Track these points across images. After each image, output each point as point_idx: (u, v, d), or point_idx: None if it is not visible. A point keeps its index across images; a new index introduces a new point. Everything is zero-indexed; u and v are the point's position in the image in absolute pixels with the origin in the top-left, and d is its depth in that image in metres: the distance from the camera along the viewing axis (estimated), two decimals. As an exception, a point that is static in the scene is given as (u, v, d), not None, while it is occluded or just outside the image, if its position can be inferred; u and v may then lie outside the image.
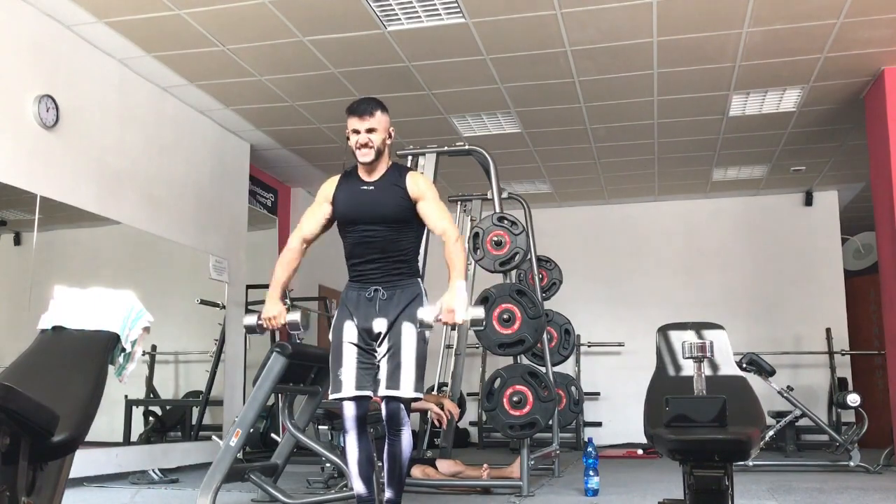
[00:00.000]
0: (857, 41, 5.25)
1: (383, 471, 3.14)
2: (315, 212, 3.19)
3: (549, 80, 5.85)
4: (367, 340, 3.06)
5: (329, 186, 3.19)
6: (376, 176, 3.11)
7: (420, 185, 3.08)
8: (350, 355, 3.03)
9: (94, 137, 5.25)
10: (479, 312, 2.98)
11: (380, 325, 3.04)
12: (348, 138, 3.07)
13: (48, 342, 2.25)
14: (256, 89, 6.00)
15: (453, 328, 2.96)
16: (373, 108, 3.02)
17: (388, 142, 3.12)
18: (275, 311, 3.06)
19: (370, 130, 3.01)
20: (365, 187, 3.09)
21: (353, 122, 3.03)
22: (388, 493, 3.05)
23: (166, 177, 6.00)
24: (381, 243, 3.06)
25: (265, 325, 3.09)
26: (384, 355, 3.02)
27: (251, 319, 3.13)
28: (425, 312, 2.93)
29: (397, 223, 3.07)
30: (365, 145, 3.02)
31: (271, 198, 8.18)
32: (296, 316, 3.08)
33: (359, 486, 3.06)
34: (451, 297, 2.88)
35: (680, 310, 8.22)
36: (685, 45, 5.29)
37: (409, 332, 3.01)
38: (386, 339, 3.03)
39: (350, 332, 3.06)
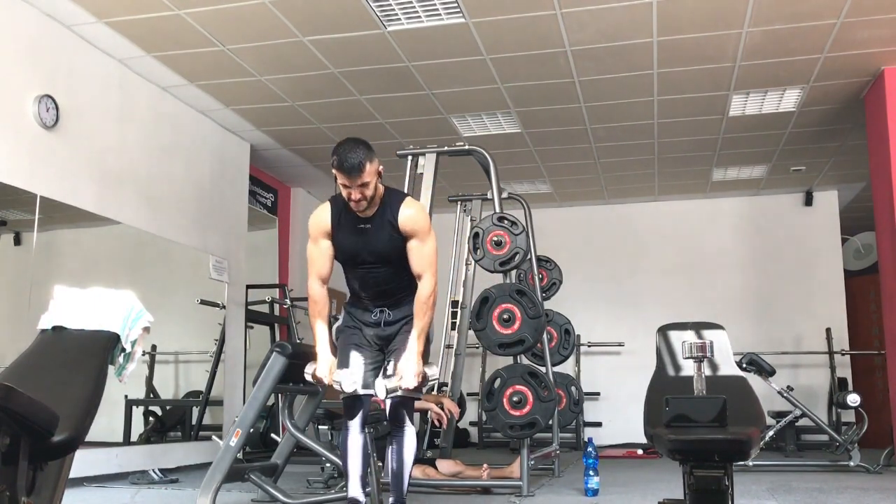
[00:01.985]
0: (857, 41, 5.25)
1: (383, 471, 3.14)
2: (319, 251, 3.12)
3: (549, 80, 5.84)
4: (372, 344, 3.16)
5: (323, 218, 3.10)
6: (371, 212, 3.05)
7: (411, 223, 3.03)
8: (354, 355, 3.11)
9: (94, 137, 5.25)
10: (432, 371, 3.11)
11: (384, 334, 3.15)
12: (336, 180, 2.97)
13: (48, 342, 2.25)
14: (256, 89, 6.00)
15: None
16: (360, 162, 2.88)
17: (379, 181, 3.04)
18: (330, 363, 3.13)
19: (362, 185, 2.92)
20: (362, 225, 3.06)
21: (342, 179, 2.92)
22: (392, 496, 3.07)
23: (166, 177, 6.00)
24: (384, 279, 3.10)
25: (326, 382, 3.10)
26: (388, 354, 3.14)
27: (347, 384, 3.09)
28: (386, 383, 2.98)
29: (397, 260, 3.07)
30: (358, 200, 2.96)
31: (271, 198, 8.18)
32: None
33: (354, 489, 3.06)
34: (407, 364, 2.99)
35: (680, 310, 8.22)
36: (685, 45, 5.28)
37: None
38: (390, 344, 3.15)
39: (354, 335, 3.15)
